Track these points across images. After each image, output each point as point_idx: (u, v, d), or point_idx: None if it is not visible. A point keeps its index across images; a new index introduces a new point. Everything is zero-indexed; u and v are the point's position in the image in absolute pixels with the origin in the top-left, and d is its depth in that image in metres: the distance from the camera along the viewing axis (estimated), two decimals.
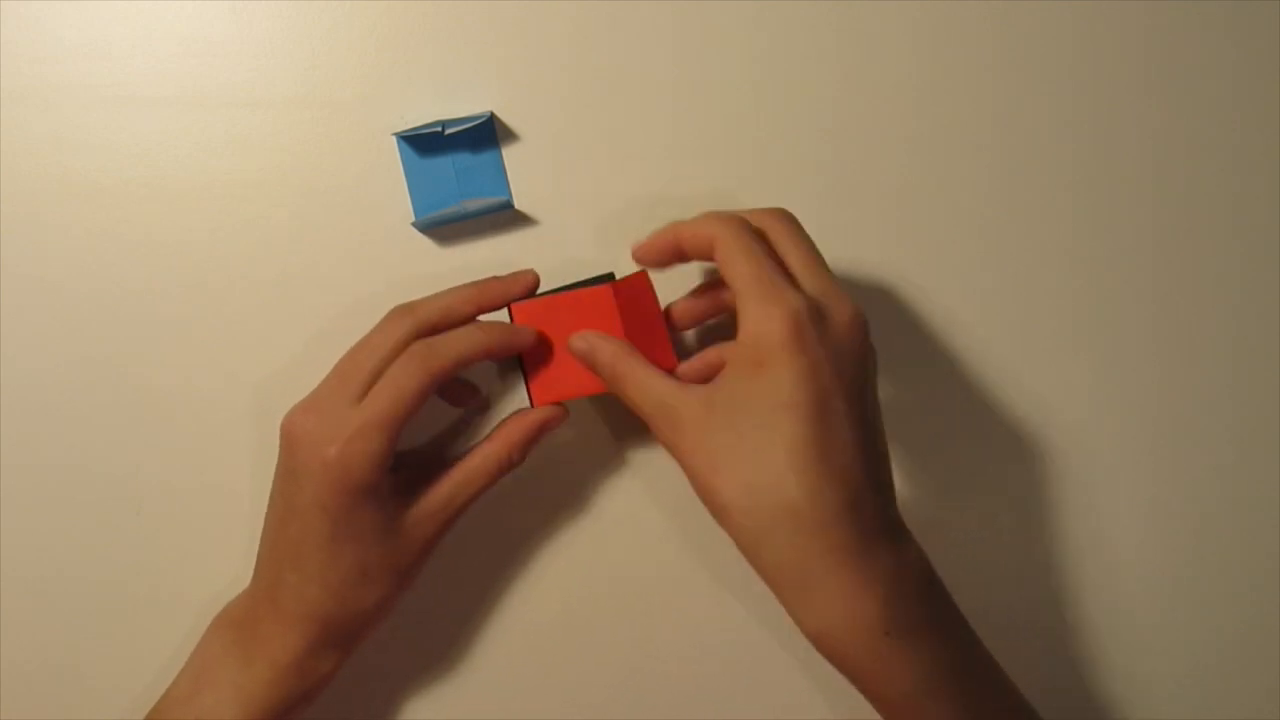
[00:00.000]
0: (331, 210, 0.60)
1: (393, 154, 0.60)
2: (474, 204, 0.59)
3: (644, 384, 0.52)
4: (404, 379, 0.51)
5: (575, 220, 0.60)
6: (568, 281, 0.57)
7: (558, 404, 0.56)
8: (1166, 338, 0.63)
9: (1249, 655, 0.63)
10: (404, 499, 0.53)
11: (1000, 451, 0.62)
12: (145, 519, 0.60)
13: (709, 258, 0.52)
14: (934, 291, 0.62)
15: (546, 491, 0.62)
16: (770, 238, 0.52)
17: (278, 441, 0.54)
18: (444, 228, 0.60)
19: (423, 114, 0.59)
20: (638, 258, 0.55)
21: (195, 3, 0.59)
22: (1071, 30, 0.62)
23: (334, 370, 0.53)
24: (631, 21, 0.59)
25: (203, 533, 0.59)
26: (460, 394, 0.59)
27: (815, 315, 0.49)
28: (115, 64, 0.59)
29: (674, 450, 0.51)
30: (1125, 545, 0.63)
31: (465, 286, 0.55)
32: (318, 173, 0.60)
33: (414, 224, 0.59)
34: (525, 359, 0.55)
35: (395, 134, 0.59)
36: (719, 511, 0.50)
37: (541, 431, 0.56)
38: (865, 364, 0.51)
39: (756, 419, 0.49)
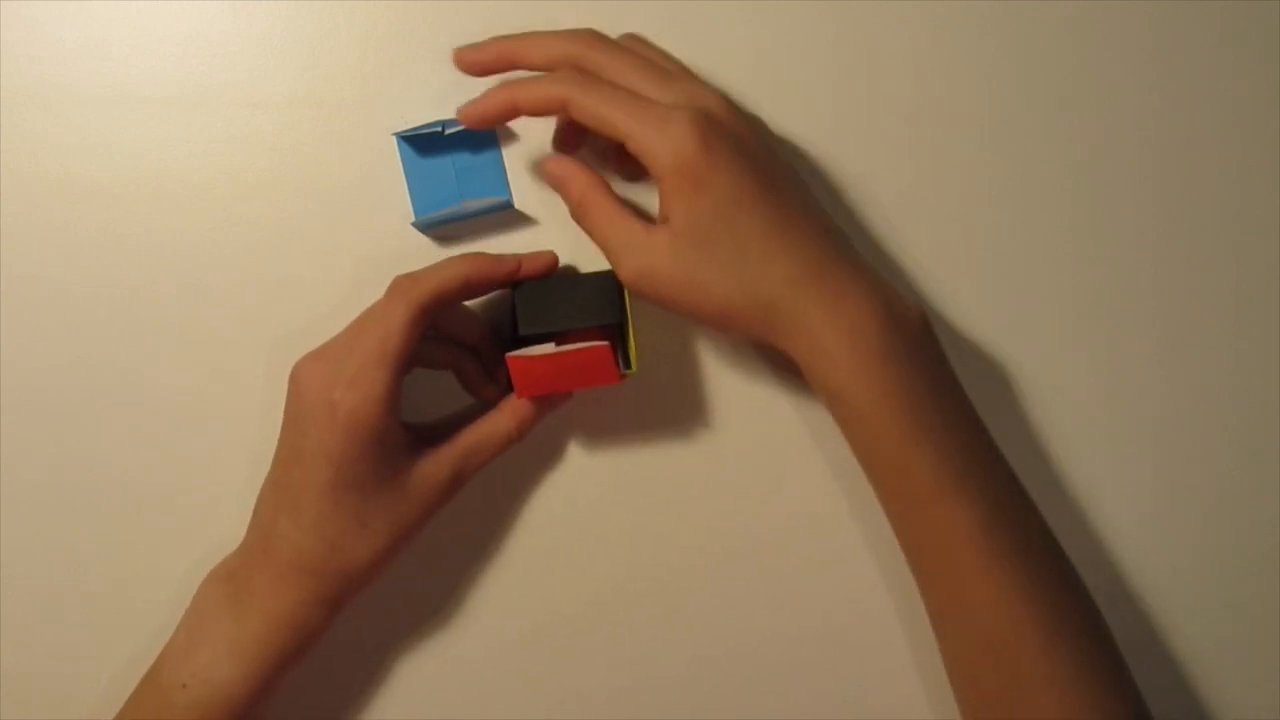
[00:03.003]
0: (331, 210, 0.60)
1: (393, 154, 0.60)
2: (474, 204, 0.59)
3: (612, 221, 0.54)
4: (389, 313, 0.52)
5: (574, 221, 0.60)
6: (573, 272, 0.57)
7: None
8: (1166, 337, 0.63)
9: (1249, 655, 0.63)
10: (410, 456, 0.54)
11: (993, 449, 0.62)
12: (145, 519, 0.60)
13: (559, 114, 0.54)
14: (933, 291, 0.62)
15: (546, 482, 0.62)
16: (607, 72, 0.54)
17: (277, 443, 0.54)
18: (444, 228, 0.60)
19: (423, 114, 0.59)
20: (468, 122, 0.55)
21: (195, 3, 0.59)
22: (1072, 30, 0.62)
23: (347, 327, 0.54)
24: (630, 21, 0.59)
25: (202, 533, 0.59)
26: (478, 383, 0.59)
27: (703, 116, 0.52)
28: (115, 64, 0.59)
29: (653, 287, 0.53)
30: (1125, 545, 0.63)
31: (480, 257, 0.55)
32: (318, 173, 0.60)
33: (414, 224, 0.59)
34: (515, 382, 0.55)
35: (395, 134, 0.59)
36: (725, 315, 0.53)
37: (547, 408, 0.58)
38: (758, 133, 0.55)
39: (720, 228, 0.52)
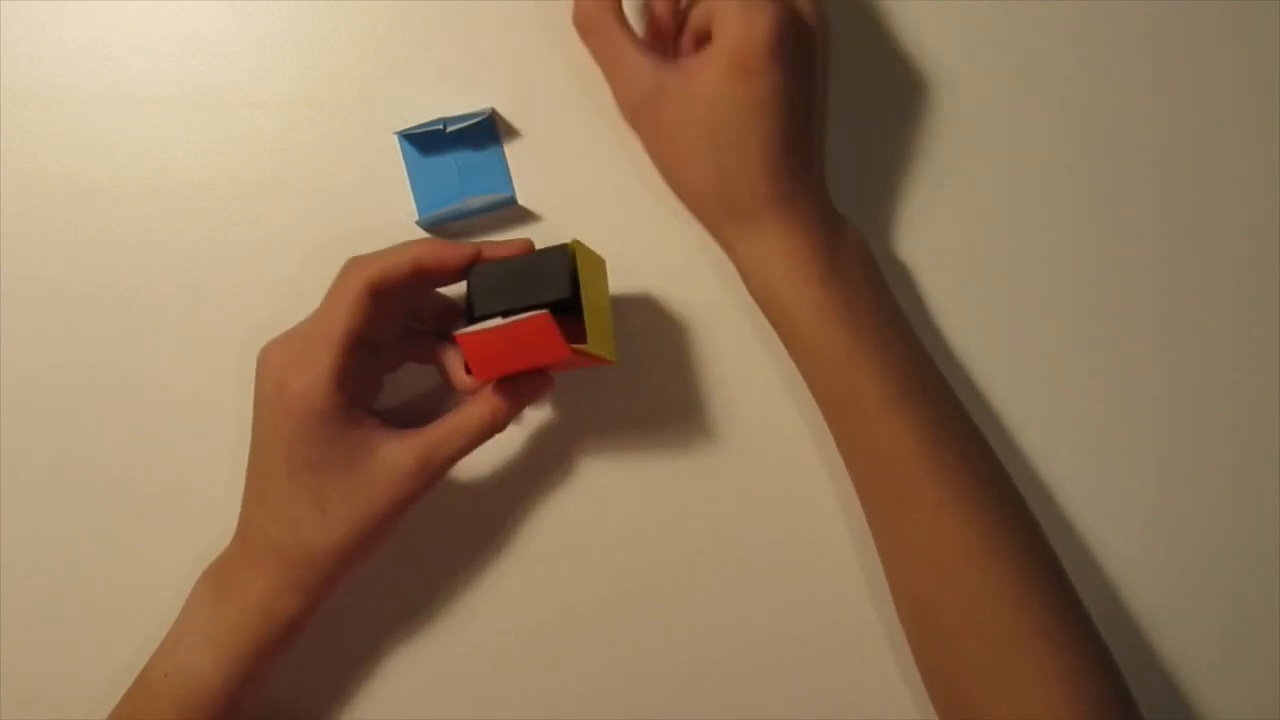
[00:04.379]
0: (334, 210, 0.60)
1: (394, 153, 0.60)
2: (477, 201, 0.59)
3: (617, 44, 0.56)
4: (337, 293, 0.52)
5: (578, 215, 0.60)
6: (530, 250, 0.55)
7: (544, 375, 0.56)
8: (1166, 338, 0.63)
9: (1249, 656, 0.63)
10: (372, 441, 0.53)
11: (998, 452, 0.62)
12: (145, 518, 0.60)
13: None
14: (933, 291, 0.62)
15: (541, 484, 0.62)
16: None
17: None
18: (448, 225, 0.60)
19: (424, 112, 0.59)
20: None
21: (195, 3, 0.59)
22: (1072, 30, 0.62)
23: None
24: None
25: (202, 532, 0.58)
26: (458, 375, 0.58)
27: (793, 21, 0.53)
28: (115, 64, 0.59)
29: (645, 126, 0.57)
30: (1125, 546, 0.63)
31: (434, 241, 0.54)
32: (319, 172, 0.60)
33: (418, 222, 0.59)
34: (469, 362, 0.53)
35: (397, 132, 0.59)
36: (688, 191, 0.57)
37: (525, 396, 0.56)
38: (818, 58, 0.56)
39: (738, 118, 0.53)
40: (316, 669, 0.60)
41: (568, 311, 0.52)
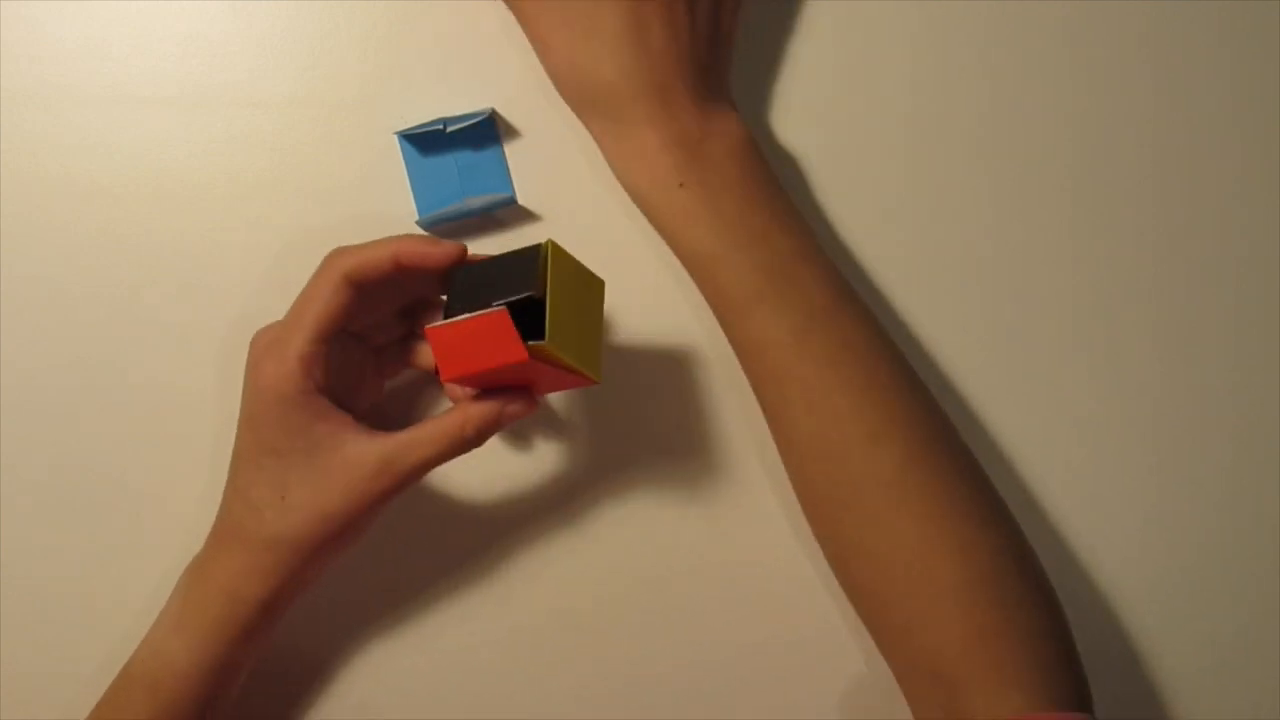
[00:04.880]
0: (334, 210, 0.60)
1: (394, 153, 0.60)
2: (477, 201, 0.59)
3: None
4: (313, 282, 0.53)
5: (578, 214, 0.60)
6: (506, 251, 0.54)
7: (526, 394, 0.54)
8: (1166, 338, 0.63)
9: (1249, 656, 0.63)
10: (339, 435, 0.52)
11: (999, 452, 0.62)
12: (145, 519, 0.60)
13: None
14: (933, 291, 0.62)
15: (537, 489, 0.62)
16: None
17: None
18: (448, 225, 0.60)
19: (423, 112, 0.59)
20: None
21: (195, 2, 0.59)
22: (1071, 29, 0.62)
23: None
24: None
25: (204, 533, 0.58)
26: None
27: None
28: (115, 64, 0.59)
29: (516, 8, 0.57)
30: (1125, 546, 0.63)
31: (414, 236, 0.54)
32: (319, 173, 0.60)
33: (418, 222, 0.59)
34: (437, 360, 0.51)
35: (397, 132, 0.59)
36: (551, 76, 0.57)
37: (503, 416, 0.53)
38: None
39: (585, 7, 0.54)
40: (306, 668, 0.61)
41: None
